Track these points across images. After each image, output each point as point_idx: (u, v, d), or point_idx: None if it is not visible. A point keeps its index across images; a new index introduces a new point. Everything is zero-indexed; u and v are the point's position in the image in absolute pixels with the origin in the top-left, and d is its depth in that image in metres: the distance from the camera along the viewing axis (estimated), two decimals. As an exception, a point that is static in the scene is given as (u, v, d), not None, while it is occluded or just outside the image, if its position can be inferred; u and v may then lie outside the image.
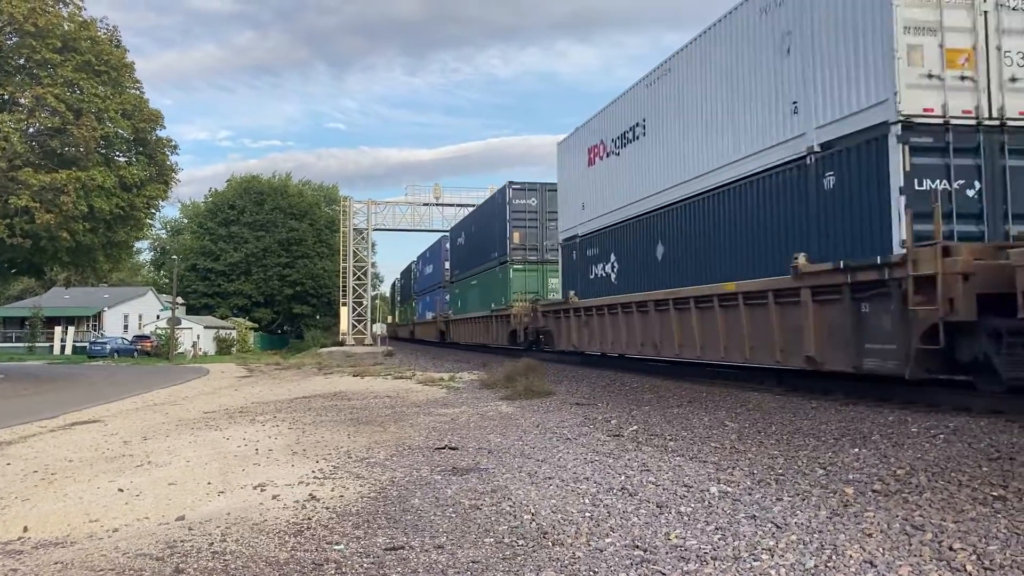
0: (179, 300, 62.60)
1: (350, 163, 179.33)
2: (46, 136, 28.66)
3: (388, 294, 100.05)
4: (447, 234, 45.55)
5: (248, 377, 30.44)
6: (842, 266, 10.73)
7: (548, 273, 28.16)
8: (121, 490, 8.29)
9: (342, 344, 58.70)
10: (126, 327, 64.83)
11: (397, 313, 77.86)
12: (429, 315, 50.08)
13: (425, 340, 55.16)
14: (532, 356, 22.64)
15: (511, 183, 29.82)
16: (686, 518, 6.12)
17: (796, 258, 11.65)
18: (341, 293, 62.71)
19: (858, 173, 10.91)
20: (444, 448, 9.92)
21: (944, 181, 10.15)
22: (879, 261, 10.03)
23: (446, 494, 7.34)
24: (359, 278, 62.54)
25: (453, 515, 6.58)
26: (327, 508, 7.00)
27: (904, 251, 9.58)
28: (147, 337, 59.02)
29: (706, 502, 6.55)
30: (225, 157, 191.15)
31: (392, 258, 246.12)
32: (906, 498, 6.17)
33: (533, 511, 6.57)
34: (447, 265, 43.00)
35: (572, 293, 22.09)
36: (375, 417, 13.79)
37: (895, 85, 10.08)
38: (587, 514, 6.40)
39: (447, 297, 42.84)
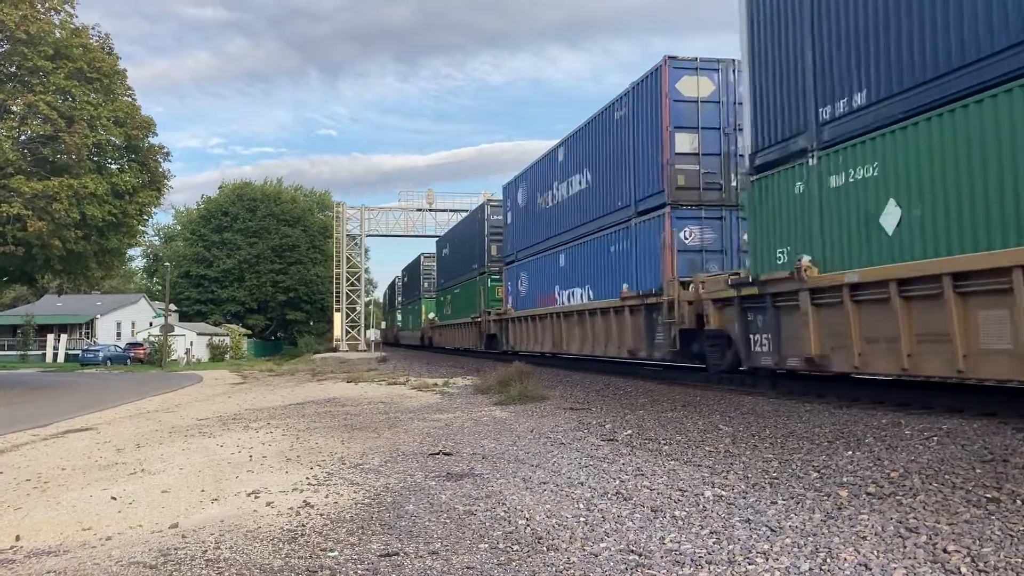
0: (172, 307, 62.46)
1: (343, 169, 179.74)
2: (38, 143, 28.56)
3: (381, 300, 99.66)
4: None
5: (241, 384, 30.33)
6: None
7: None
8: (114, 498, 8.26)
9: (336, 350, 58.56)
10: (119, 334, 64.69)
11: (425, 307, 52.91)
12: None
13: (546, 357, 25.87)
14: None
15: None
16: (681, 522, 6.12)
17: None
18: (335, 299, 62.61)
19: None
20: (438, 454, 9.90)
21: None
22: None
23: (440, 500, 7.32)
24: (353, 284, 62.43)
25: (448, 521, 6.56)
26: (321, 515, 6.98)
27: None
28: (140, 344, 58.91)
29: (700, 506, 6.55)
30: (218, 164, 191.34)
31: (386, 264, 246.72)
32: (900, 501, 6.19)
33: (528, 516, 6.56)
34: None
35: None
36: (369, 423, 13.76)
37: None
38: (582, 519, 6.40)
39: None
